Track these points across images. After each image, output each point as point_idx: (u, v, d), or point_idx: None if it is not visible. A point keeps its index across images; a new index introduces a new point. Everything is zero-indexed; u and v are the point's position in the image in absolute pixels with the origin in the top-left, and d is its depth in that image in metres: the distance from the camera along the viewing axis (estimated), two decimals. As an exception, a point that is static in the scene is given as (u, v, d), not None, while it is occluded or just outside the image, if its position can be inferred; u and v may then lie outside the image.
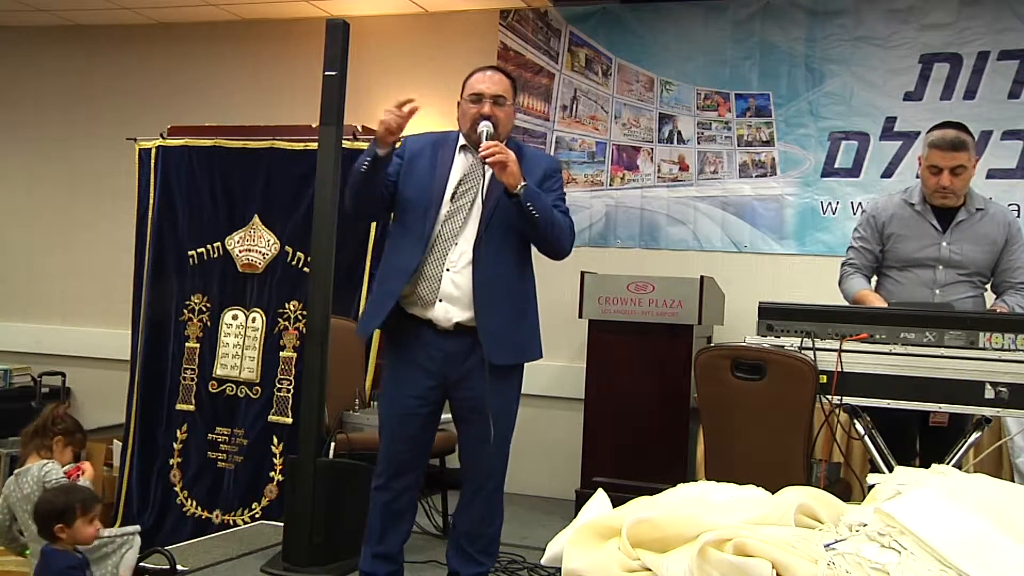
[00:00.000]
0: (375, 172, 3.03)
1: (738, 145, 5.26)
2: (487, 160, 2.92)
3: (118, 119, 6.17)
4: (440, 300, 3.03)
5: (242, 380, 4.83)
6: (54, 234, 6.60)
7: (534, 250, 3.19)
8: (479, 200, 3.05)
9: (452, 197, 3.06)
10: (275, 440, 4.70)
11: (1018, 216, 4.66)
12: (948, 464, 2.82)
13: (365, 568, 3.24)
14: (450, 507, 3.81)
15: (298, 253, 4.77)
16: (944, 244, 3.51)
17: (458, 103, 3.20)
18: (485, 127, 3.01)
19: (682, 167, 5.34)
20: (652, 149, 5.40)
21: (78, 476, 3.52)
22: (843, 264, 3.71)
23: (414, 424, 3.12)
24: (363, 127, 4.76)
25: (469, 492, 3.20)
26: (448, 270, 3.03)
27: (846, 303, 3.58)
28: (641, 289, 4.59)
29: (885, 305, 3.36)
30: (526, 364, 3.22)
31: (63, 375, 5.84)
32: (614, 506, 2.05)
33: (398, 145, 3.12)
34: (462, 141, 3.17)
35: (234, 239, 4.92)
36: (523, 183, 2.95)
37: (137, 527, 3.59)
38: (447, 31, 5.73)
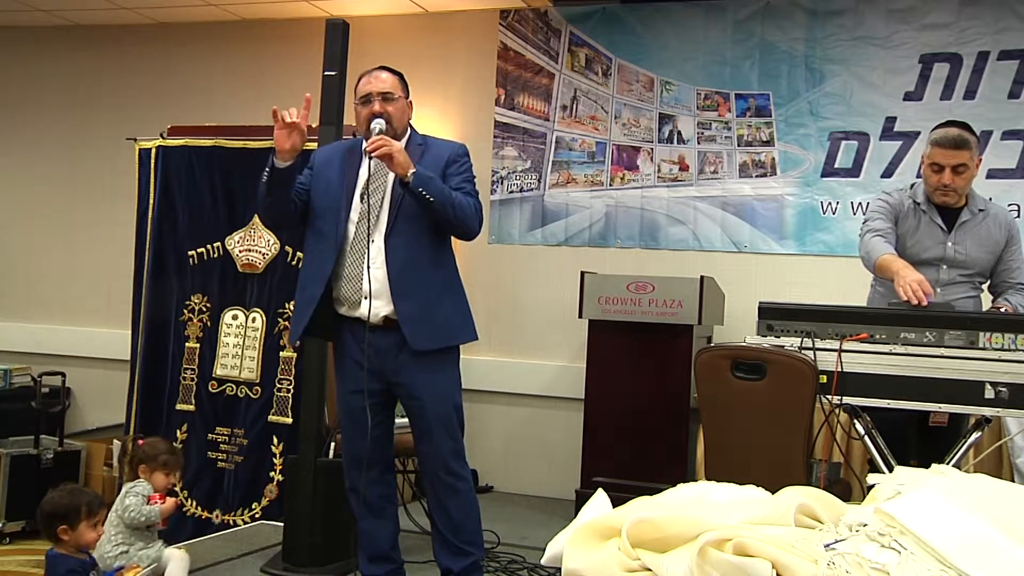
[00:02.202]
0: (273, 184, 3.09)
1: (738, 145, 5.26)
2: (372, 154, 3.00)
3: (118, 119, 6.17)
4: (365, 298, 3.10)
5: (242, 380, 4.83)
6: (54, 234, 6.60)
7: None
8: (387, 197, 3.13)
9: (362, 198, 3.13)
10: (275, 440, 4.69)
11: (1018, 216, 4.66)
12: (948, 464, 2.83)
13: (365, 571, 3.29)
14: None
15: (298, 253, 4.75)
16: (949, 244, 3.51)
17: (355, 109, 3.24)
18: (377, 124, 3.10)
19: (682, 167, 5.34)
20: (652, 149, 5.40)
21: (157, 502, 3.49)
22: (863, 233, 3.58)
23: (362, 418, 3.16)
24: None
25: (428, 484, 3.25)
26: (369, 267, 3.10)
27: (850, 304, 3.53)
28: (641, 289, 4.59)
29: (910, 268, 3.27)
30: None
31: (63, 375, 5.83)
32: (614, 506, 2.05)
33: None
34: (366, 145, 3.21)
35: (234, 239, 4.92)
36: (412, 170, 3.00)
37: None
38: (447, 31, 5.73)
